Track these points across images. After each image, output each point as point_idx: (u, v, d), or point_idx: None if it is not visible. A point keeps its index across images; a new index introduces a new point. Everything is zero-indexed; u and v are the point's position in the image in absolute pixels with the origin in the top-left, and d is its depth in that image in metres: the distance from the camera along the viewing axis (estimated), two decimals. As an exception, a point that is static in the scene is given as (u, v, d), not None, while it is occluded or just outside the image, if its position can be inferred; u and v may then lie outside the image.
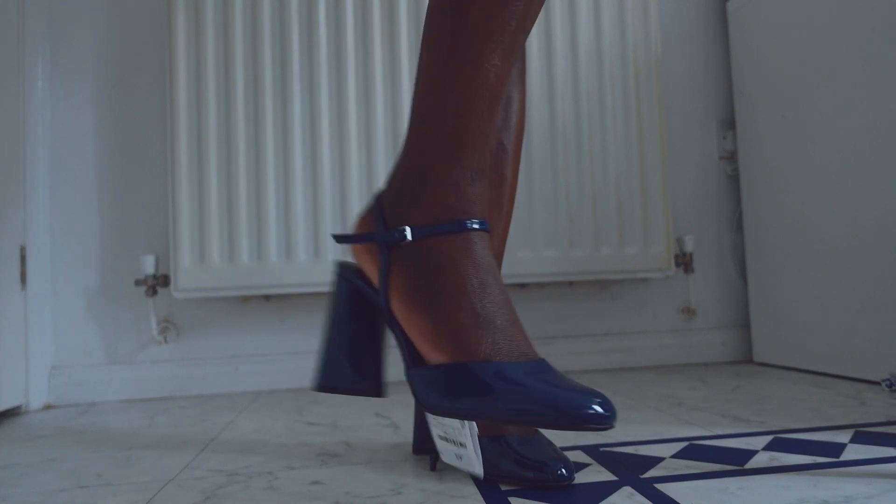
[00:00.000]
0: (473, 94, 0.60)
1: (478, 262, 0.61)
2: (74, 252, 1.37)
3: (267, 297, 1.41)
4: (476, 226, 0.62)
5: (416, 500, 0.63)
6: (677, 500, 0.60)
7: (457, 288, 0.60)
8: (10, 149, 1.24)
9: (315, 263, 1.32)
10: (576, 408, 0.55)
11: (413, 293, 0.62)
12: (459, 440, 0.64)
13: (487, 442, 0.67)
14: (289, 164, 1.33)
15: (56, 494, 0.71)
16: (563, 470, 0.64)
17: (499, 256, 0.77)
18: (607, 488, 0.64)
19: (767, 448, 0.76)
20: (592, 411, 0.55)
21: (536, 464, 0.65)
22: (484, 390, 0.57)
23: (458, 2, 0.59)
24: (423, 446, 0.74)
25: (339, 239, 0.68)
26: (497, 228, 0.76)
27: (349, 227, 1.33)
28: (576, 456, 0.77)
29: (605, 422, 0.55)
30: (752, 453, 0.74)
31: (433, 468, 0.73)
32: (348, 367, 0.70)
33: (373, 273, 0.66)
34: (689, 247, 1.49)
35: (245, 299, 1.41)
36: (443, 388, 0.60)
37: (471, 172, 0.62)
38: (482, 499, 0.63)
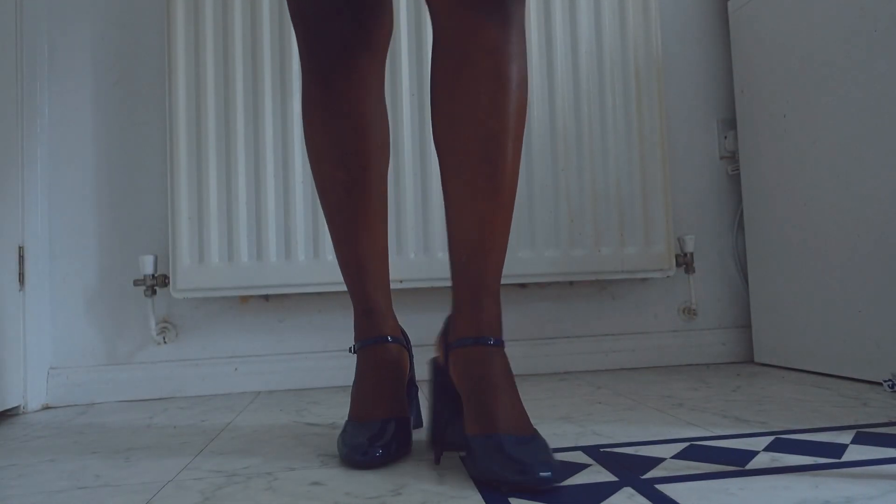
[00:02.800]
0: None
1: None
2: (73, 252, 1.37)
3: (266, 298, 1.40)
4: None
5: (416, 501, 0.63)
6: (678, 501, 0.59)
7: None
8: (9, 148, 1.23)
9: (314, 264, 1.32)
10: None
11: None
12: None
13: (479, 440, 0.67)
14: (288, 164, 1.33)
15: (55, 495, 0.71)
16: (547, 473, 0.63)
17: (502, 248, 0.77)
18: (607, 489, 0.64)
19: (768, 449, 0.76)
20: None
21: (520, 466, 0.64)
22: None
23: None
24: (439, 439, 0.79)
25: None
26: (495, 219, 0.75)
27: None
28: (576, 456, 0.76)
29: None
30: (752, 454, 0.74)
31: (437, 461, 0.75)
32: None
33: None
34: (689, 247, 1.49)
35: (244, 299, 1.40)
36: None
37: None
38: (482, 499, 0.63)
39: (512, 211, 0.77)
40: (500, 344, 0.75)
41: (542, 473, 0.63)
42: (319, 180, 0.87)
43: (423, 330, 1.23)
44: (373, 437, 0.76)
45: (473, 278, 0.75)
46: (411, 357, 0.90)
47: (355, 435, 0.78)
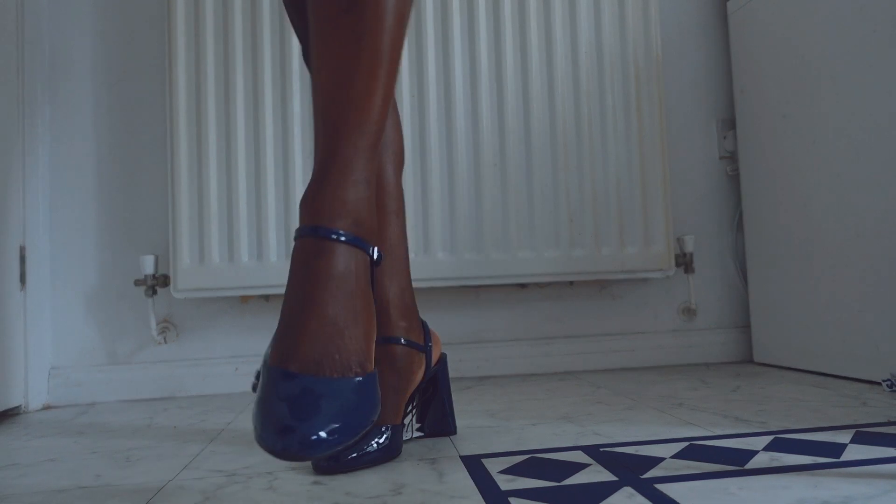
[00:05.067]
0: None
1: None
2: (74, 252, 1.37)
3: (266, 297, 1.41)
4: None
5: (416, 501, 0.63)
6: (677, 501, 0.60)
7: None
8: (9, 149, 1.23)
9: (315, 263, 1.32)
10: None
11: None
12: None
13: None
14: (288, 164, 1.33)
15: (56, 494, 0.71)
16: (274, 444, 0.55)
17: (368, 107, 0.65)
18: (607, 488, 0.64)
19: (768, 448, 0.76)
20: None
21: (260, 420, 0.57)
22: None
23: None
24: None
25: None
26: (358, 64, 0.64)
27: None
28: (576, 456, 0.76)
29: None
30: (752, 454, 0.74)
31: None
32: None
33: None
34: (689, 247, 1.49)
35: (245, 299, 1.40)
36: None
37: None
38: (482, 499, 0.63)
39: (386, 62, 0.64)
40: (333, 236, 0.60)
41: (267, 444, 0.54)
42: None
43: (423, 330, 1.23)
44: (352, 444, 0.75)
45: (328, 140, 0.63)
46: (429, 360, 0.85)
47: None
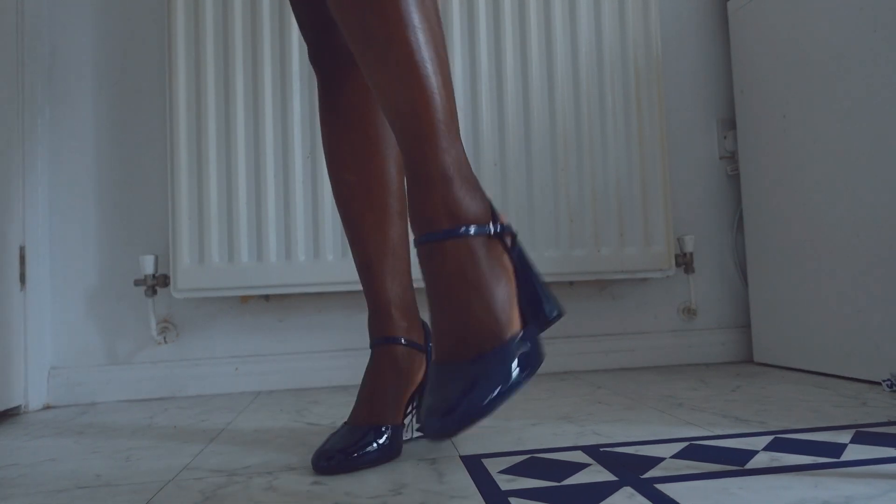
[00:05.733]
0: None
1: None
2: (74, 252, 1.37)
3: (266, 298, 1.41)
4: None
5: (416, 500, 0.63)
6: (677, 501, 0.60)
7: None
8: (9, 149, 1.23)
9: (314, 264, 1.32)
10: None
11: None
12: None
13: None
14: (288, 164, 1.33)
15: (56, 494, 0.71)
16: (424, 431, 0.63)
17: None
18: (607, 488, 0.64)
19: (768, 448, 0.76)
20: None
21: (427, 410, 0.63)
22: None
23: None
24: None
25: None
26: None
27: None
28: (576, 456, 0.76)
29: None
30: (752, 454, 0.74)
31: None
32: None
33: None
34: (689, 247, 1.49)
35: (244, 299, 1.40)
36: None
37: None
38: (482, 499, 0.63)
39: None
40: (456, 234, 0.63)
41: (424, 429, 0.61)
42: (330, 180, 0.87)
43: (423, 330, 1.23)
44: (349, 444, 0.76)
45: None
46: (429, 360, 0.85)
47: (335, 439, 0.78)
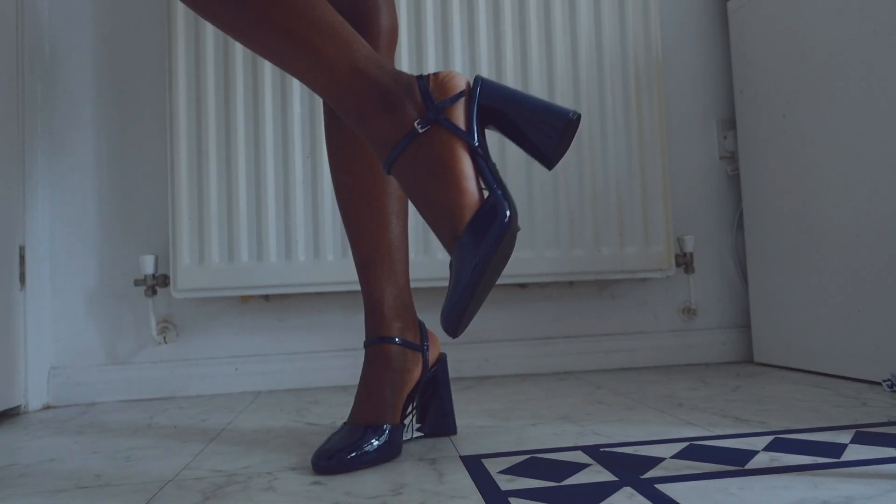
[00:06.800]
0: None
1: None
2: (74, 252, 1.37)
3: (266, 298, 1.41)
4: None
5: (416, 501, 0.63)
6: (677, 501, 0.60)
7: None
8: (9, 149, 1.23)
9: (314, 264, 1.32)
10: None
11: None
12: None
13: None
14: (288, 164, 1.33)
15: (56, 494, 0.71)
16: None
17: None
18: (607, 488, 0.64)
19: (768, 448, 0.76)
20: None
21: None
22: None
23: None
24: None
25: None
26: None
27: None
28: (576, 456, 0.76)
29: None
30: (752, 454, 0.74)
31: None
32: None
33: None
34: (689, 247, 1.49)
35: (244, 299, 1.40)
36: None
37: None
38: (482, 499, 0.63)
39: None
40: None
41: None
42: (332, 182, 0.90)
43: (423, 330, 1.23)
44: (349, 444, 0.76)
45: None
46: (426, 360, 0.85)
47: (335, 439, 0.78)
